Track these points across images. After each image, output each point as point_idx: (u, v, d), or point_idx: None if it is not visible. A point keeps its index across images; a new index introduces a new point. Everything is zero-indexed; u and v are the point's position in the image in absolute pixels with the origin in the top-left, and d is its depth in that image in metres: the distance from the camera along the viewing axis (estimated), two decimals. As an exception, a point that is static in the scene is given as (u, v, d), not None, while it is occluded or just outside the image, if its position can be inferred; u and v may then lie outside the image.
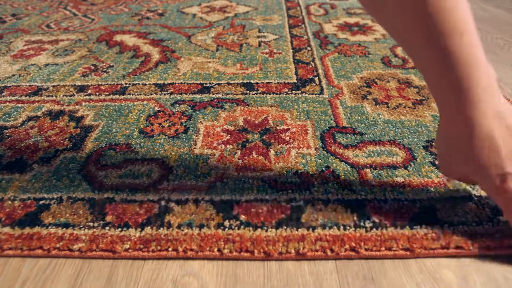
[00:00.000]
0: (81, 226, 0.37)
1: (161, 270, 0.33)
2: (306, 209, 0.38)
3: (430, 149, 0.46)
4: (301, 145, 0.47)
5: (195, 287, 0.32)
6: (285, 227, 0.36)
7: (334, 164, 0.44)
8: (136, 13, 1.02)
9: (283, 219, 0.37)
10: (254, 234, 0.35)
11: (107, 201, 0.40)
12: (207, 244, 0.35)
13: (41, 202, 0.40)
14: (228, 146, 0.48)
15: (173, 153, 0.47)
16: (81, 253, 0.34)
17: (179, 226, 0.36)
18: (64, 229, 0.36)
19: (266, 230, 0.36)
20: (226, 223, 0.37)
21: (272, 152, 0.46)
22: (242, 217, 0.37)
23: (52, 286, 0.32)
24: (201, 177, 0.43)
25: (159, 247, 0.34)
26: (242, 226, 0.36)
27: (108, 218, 0.37)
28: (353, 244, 0.34)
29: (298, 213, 0.37)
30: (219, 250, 0.34)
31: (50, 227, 0.37)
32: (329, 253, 0.34)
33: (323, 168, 0.43)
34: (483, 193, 0.39)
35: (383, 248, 0.34)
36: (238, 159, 0.45)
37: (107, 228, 0.36)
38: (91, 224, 0.37)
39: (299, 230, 0.36)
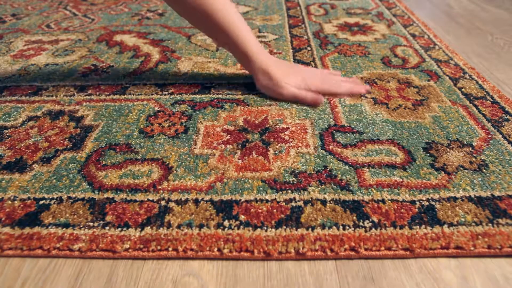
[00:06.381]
0: (81, 226, 0.37)
1: (161, 270, 0.33)
2: (305, 209, 0.38)
3: (430, 151, 0.46)
4: (300, 144, 0.47)
5: (195, 287, 0.32)
6: (284, 227, 0.36)
7: (332, 163, 0.44)
8: (136, 13, 1.02)
9: (282, 219, 0.37)
10: (253, 234, 0.35)
11: (107, 201, 0.40)
12: (207, 244, 0.35)
13: (41, 202, 0.40)
14: (228, 146, 0.48)
15: (173, 153, 0.47)
16: (81, 253, 0.34)
17: (179, 226, 0.36)
18: (64, 229, 0.36)
19: (266, 230, 0.36)
20: (226, 223, 0.37)
21: (271, 151, 0.46)
22: (242, 217, 0.37)
23: (52, 286, 0.32)
24: (201, 177, 0.43)
25: (159, 247, 0.34)
26: (241, 226, 0.36)
27: (108, 218, 0.38)
28: (353, 244, 0.34)
29: (297, 213, 0.38)
30: (219, 249, 0.34)
31: (50, 227, 0.37)
32: (329, 252, 0.34)
33: (321, 168, 0.43)
34: (482, 194, 0.39)
35: (382, 248, 0.34)
36: (238, 159, 0.45)
37: (107, 228, 0.36)
38: (91, 224, 0.37)
39: (299, 230, 0.36)
